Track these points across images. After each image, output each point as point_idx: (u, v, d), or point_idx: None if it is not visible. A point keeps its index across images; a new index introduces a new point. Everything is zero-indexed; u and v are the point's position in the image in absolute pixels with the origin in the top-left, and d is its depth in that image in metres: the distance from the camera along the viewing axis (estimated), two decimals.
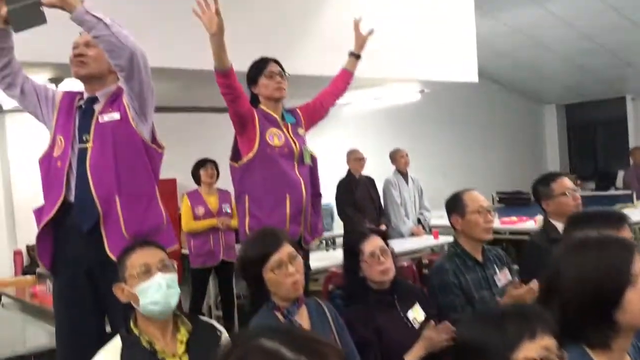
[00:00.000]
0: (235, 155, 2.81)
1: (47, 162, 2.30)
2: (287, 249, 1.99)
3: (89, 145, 2.19)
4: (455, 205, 2.75)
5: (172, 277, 1.86)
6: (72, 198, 2.19)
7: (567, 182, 2.88)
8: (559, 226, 2.79)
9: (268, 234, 2.10)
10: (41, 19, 1.98)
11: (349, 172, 5.59)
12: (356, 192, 5.53)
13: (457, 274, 2.62)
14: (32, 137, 5.16)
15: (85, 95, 2.31)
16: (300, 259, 2.02)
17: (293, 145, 2.80)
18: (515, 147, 10.19)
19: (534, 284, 2.32)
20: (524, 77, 9.79)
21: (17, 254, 5.09)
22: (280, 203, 2.72)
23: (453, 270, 2.62)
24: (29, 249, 5.14)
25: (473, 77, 5.98)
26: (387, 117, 7.60)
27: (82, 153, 2.19)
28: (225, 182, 5.11)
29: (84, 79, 2.28)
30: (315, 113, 3.04)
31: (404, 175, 5.76)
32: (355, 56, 3.20)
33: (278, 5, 4.43)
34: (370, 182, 5.70)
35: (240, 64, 4.13)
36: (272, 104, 2.84)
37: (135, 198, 2.20)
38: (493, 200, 8.43)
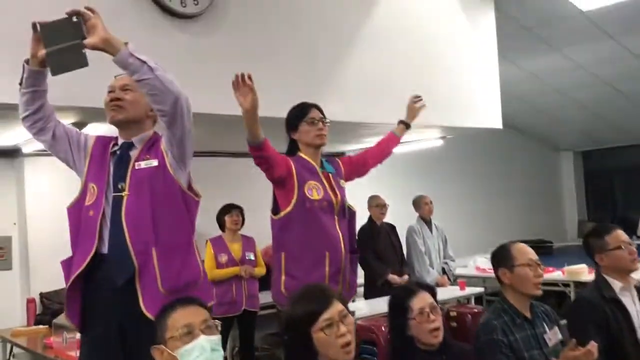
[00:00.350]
0: (274, 207, 2.70)
1: (77, 211, 2.17)
2: (337, 307, 1.85)
3: (125, 193, 2.07)
4: (502, 258, 2.62)
5: (217, 339, 1.70)
6: (104, 250, 2.05)
7: (622, 234, 2.74)
8: (614, 283, 2.68)
9: (316, 290, 1.96)
10: (82, 62, 1.88)
11: (370, 219, 5.45)
12: (378, 240, 5.38)
13: (506, 332, 2.47)
14: (50, 183, 5.11)
15: (120, 141, 2.21)
16: (351, 318, 1.87)
17: (332, 197, 2.68)
18: (533, 194, 10.05)
19: (592, 346, 2.19)
20: (541, 123, 9.72)
21: (30, 302, 4.92)
22: (319, 262, 2.59)
23: (502, 328, 2.47)
24: (43, 297, 4.98)
25: (497, 123, 5.91)
26: (408, 163, 7.49)
27: (117, 202, 2.07)
28: (250, 228, 5.06)
29: (120, 124, 2.18)
30: (356, 169, 2.96)
31: (428, 223, 5.62)
32: (406, 125, 3.22)
33: (303, 51, 4.38)
34: (391, 229, 5.56)
35: (265, 109, 4.10)
36: (311, 151, 2.74)
37: (172, 250, 2.06)
38: None
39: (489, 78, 5.90)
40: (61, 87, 2.15)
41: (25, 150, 4.99)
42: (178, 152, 2.11)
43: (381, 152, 3.08)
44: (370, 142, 6.32)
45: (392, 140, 3.14)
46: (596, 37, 6.58)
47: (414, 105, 3.27)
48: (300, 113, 2.76)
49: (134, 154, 2.15)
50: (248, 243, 4.70)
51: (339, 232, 2.68)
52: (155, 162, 2.11)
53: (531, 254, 2.60)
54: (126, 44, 1.92)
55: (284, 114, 4.18)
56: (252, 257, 4.63)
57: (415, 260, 5.47)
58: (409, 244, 5.53)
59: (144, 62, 1.92)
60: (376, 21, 4.88)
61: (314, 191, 2.62)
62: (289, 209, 2.61)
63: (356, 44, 4.74)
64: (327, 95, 4.66)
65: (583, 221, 10.58)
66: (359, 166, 2.98)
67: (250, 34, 4.05)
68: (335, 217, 2.67)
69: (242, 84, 2.28)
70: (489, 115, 5.86)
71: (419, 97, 3.27)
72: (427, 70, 5.30)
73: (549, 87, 8.19)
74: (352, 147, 6.61)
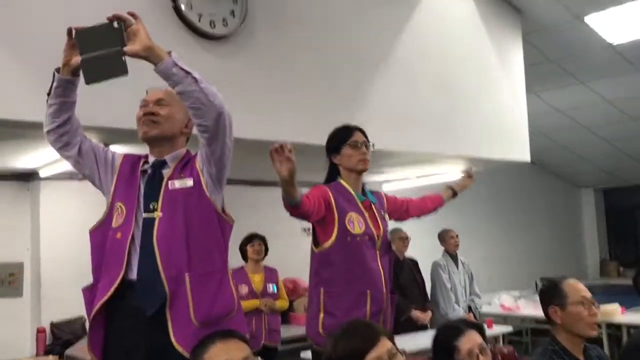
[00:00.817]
0: (314, 238, 2.53)
1: (101, 234, 2.00)
2: (386, 345, 1.66)
3: (157, 214, 1.90)
4: (553, 295, 2.46)
5: None
6: (133, 276, 1.88)
7: None
8: None
9: (363, 327, 1.77)
10: (122, 70, 1.74)
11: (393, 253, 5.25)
12: (400, 274, 5.16)
13: None
14: (67, 209, 4.97)
15: (151, 159, 2.06)
16: (401, 358, 1.69)
17: (374, 231, 2.51)
18: (553, 231, 9.81)
19: None
20: (562, 158, 9.54)
21: (40, 331, 4.73)
22: (360, 300, 2.42)
23: None
24: (53, 326, 4.79)
25: (525, 156, 5.76)
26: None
27: (148, 224, 1.90)
28: (273, 259, 4.88)
29: (153, 140, 2.03)
30: (398, 212, 2.80)
31: (454, 258, 5.41)
32: (453, 192, 3.10)
33: (329, 76, 4.27)
34: (414, 264, 5.35)
35: (287, 135, 3.97)
36: (353, 177, 2.58)
37: (206, 277, 1.89)
38: (537, 286, 7.98)
39: (517, 109, 5.79)
40: (80, 106, 2.01)
41: (42, 174, 4.87)
42: (216, 172, 1.95)
43: (424, 208, 2.94)
44: (391, 172, 6.21)
45: (437, 201, 3.00)
46: (624, 71, 6.46)
47: (468, 178, 3.19)
48: (343, 136, 2.60)
49: (166, 172, 1.99)
50: (270, 274, 4.52)
51: (381, 268, 2.51)
52: (190, 182, 1.95)
53: (584, 291, 2.46)
54: (169, 52, 1.79)
55: (305, 139, 4.09)
56: (274, 290, 4.43)
57: (440, 296, 5.25)
58: (433, 279, 5.32)
59: (189, 73, 1.78)
60: (402, 49, 4.79)
61: (355, 224, 2.46)
62: (329, 242, 2.45)
63: (382, 70, 4.64)
64: (351, 121, 4.53)
65: (605, 260, 10.30)
66: (401, 211, 2.83)
67: (276, 58, 3.96)
68: (377, 253, 2.50)
69: (281, 153, 2.08)
70: (517, 147, 5.73)
71: (473, 171, 3.17)
72: (454, 100, 5.19)
73: (573, 121, 8.03)
74: (373, 179, 6.44)
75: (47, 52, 3.00)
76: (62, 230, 4.90)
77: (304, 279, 5.95)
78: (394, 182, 6.68)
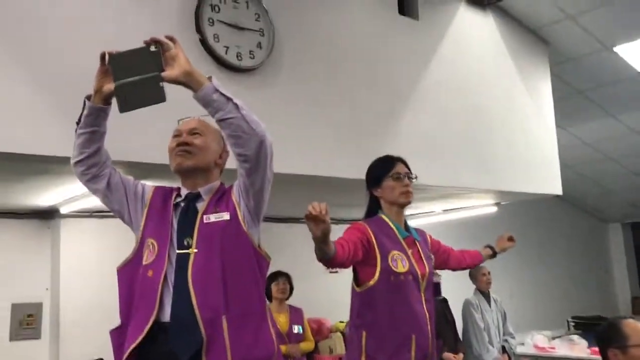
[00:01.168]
0: (355, 276, 2.38)
1: (131, 272, 1.87)
2: None
3: (192, 251, 1.77)
4: (612, 336, 2.31)
5: None
6: (165, 318, 1.73)
7: None
8: None
9: None
10: (159, 97, 1.64)
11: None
12: None
13: None
14: (88, 247, 4.85)
15: (184, 192, 1.93)
16: None
17: (418, 269, 2.36)
18: (582, 266, 9.52)
19: None
20: (589, 192, 9.32)
21: None
22: (404, 345, 2.27)
23: None
24: None
25: (557, 189, 5.59)
26: (461, 230, 7.10)
27: (182, 261, 1.76)
28: (296, 298, 4.70)
29: (187, 172, 1.90)
30: (437, 259, 2.65)
31: (486, 296, 5.19)
32: (493, 252, 3.04)
33: (356, 106, 4.17)
34: (444, 303, 5.14)
35: (316, 167, 3.85)
36: (394, 211, 2.44)
37: (244, 319, 1.74)
38: (568, 325, 7.69)
39: (548, 140, 5.66)
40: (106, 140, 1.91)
41: (62, 210, 4.78)
42: (254, 205, 1.82)
43: (462, 262, 2.86)
44: (415, 207, 6.04)
45: (476, 257, 2.94)
46: None
47: (507, 242, 3.11)
48: (385, 167, 2.47)
49: (201, 206, 1.86)
50: (295, 314, 4.33)
51: (426, 311, 2.34)
52: (226, 216, 1.82)
53: None
54: (209, 78, 1.68)
55: (333, 173, 3.96)
56: (300, 330, 4.24)
57: (473, 337, 5.01)
58: (465, 318, 5.09)
59: (230, 99, 1.68)
60: (430, 80, 4.69)
61: (399, 262, 2.31)
62: (372, 282, 2.30)
63: (410, 102, 4.53)
64: (379, 153, 4.41)
65: (637, 297, 9.95)
66: (441, 260, 2.71)
67: (303, 90, 3.88)
68: (422, 295, 2.34)
69: (316, 215, 1.94)
70: (548, 180, 5.57)
71: (514, 239, 3.10)
72: (483, 132, 5.06)
73: (600, 154, 7.86)
74: None
75: (72, 86, 2.94)
76: (82, 269, 4.78)
77: (329, 318, 5.78)
78: (419, 217, 6.51)
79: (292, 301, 4.52)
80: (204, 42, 3.46)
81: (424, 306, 2.35)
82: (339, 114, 4.03)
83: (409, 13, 4.70)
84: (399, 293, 2.28)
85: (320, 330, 5.48)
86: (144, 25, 3.20)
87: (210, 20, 3.52)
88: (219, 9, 3.56)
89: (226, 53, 3.53)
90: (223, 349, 1.67)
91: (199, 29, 3.44)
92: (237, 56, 3.58)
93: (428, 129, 4.61)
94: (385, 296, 2.28)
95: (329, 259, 2.11)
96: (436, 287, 2.60)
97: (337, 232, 2.21)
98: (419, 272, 2.35)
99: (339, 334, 5.52)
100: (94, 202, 4.32)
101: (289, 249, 5.13)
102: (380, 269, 2.28)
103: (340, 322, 5.67)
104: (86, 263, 4.76)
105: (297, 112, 3.79)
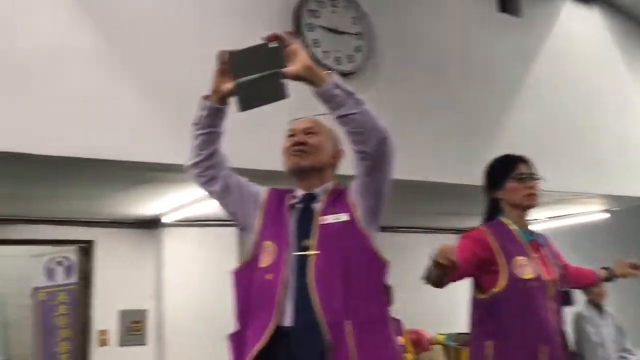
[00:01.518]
0: (477, 284, 2.24)
1: (248, 275, 1.82)
2: None
3: (312, 252, 1.71)
4: None
5: None
6: (287, 322, 1.67)
7: None
8: None
9: None
10: (281, 93, 1.60)
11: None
12: None
13: None
14: (191, 255, 4.94)
15: (299, 193, 1.88)
16: None
17: (545, 276, 2.19)
18: None
19: None
20: None
21: None
22: (533, 358, 2.11)
23: None
24: None
25: None
26: (570, 239, 6.71)
27: (301, 263, 1.70)
28: (397, 309, 4.55)
29: (302, 172, 1.85)
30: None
31: (599, 308, 4.84)
32: (611, 275, 2.72)
33: (457, 108, 4.05)
34: None
35: (415, 173, 3.72)
36: (517, 213, 2.29)
37: (368, 323, 1.66)
38: None
39: None
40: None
41: (165, 220, 4.91)
42: (374, 204, 1.75)
43: (577, 281, 2.65)
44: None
45: (591, 279, 2.70)
46: None
47: (633, 269, 2.72)
48: (507, 168, 2.32)
49: (318, 207, 1.80)
50: (395, 326, 4.19)
51: (554, 322, 2.17)
52: (344, 216, 1.75)
53: None
54: (329, 73, 1.63)
55: (439, 177, 3.82)
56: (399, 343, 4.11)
57: (587, 352, 4.68)
58: (578, 333, 4.77)
59: (351, 94, 1.61)
60: (536, 77, 4.49)
61: (526, 268, 2.16)
62: (497, 288, 2.16)
63: (515, 101, 4.33)
64: (483, 155, 4.22)
65: None
66: (562, 274, 2.49)
67: (405, 92, 3.80)
68: (548, 305, 2.17)
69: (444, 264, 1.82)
70: None
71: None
72: (592, 132, 4.77)
73: None
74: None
75: (178, 97, 3.00)
76: (185, 277, 4.88)
77: (428, 329, 5.59)
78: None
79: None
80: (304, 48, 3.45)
81: (553, 315, 2.17)
82: (443, 116, 3.91)
83: (510, 10, 4.52)
84: (528, 301, 2.13)
85: (419, 342, 5.30)
86: (249, 35, 3.24)
87: (310, 26, 3.50)
88: (319, 14, 3.55)
89: (326, 58, 3.51)
90: (346, 354, 1.60)
91: (298, 35, 3.43)
92: (335, 60, 3.55)
93: (534, 130, 4.38)
94: (513, 304, 2.14)
95: (438, 285, 2.02)
96: (566, 296, 2.40)
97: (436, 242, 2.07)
98: (546, 278, 2.18)
99: (439, 346, 5.32)
100: (195, 211, 4.42)
101: (390, 257, 5.00)
102: (505, 275, 2.14)
103: (440, 334, 5.47)
104: (188, 271, 4.86)
105: (399, 115, 3.70)
